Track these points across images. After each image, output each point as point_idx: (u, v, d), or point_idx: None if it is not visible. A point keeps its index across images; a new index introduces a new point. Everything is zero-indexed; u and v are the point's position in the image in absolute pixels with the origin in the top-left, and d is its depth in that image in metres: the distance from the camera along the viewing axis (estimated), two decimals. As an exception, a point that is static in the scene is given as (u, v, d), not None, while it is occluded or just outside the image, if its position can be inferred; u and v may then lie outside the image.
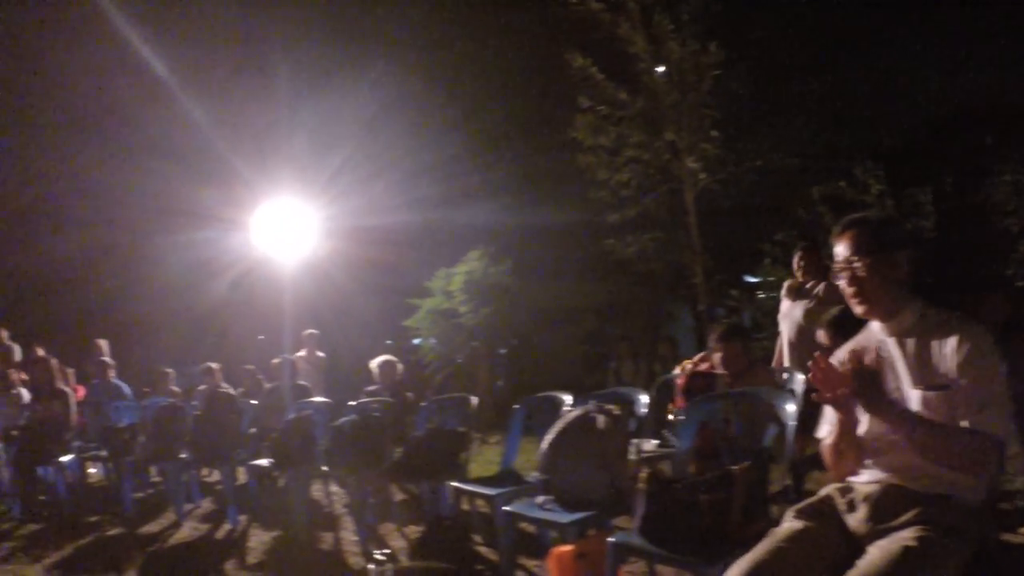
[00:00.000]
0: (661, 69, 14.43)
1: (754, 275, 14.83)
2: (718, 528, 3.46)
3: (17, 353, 12.26)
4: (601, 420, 4.66)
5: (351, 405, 7.84)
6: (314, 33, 19.35)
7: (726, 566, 2.77)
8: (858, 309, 2.98)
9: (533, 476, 5.22)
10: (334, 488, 8.68)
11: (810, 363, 2.91)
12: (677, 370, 8.75)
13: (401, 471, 6.72)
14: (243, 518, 7.75)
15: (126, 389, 11.28)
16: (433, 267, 16.07)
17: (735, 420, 4.13)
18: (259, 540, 7.04)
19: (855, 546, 2.74)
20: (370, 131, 18.32)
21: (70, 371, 11.47)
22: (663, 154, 14.57)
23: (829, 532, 2.83)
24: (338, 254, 17.05)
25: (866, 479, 2.94)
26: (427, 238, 18.02)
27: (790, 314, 7.60)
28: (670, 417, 6.73)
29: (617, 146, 14.68)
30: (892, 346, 2.93)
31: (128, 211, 19.12)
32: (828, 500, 2.98)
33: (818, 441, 3.17)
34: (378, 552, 5.03)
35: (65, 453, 9.04)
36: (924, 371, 2.81)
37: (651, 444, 6.17)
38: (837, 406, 2.91)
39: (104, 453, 9.42)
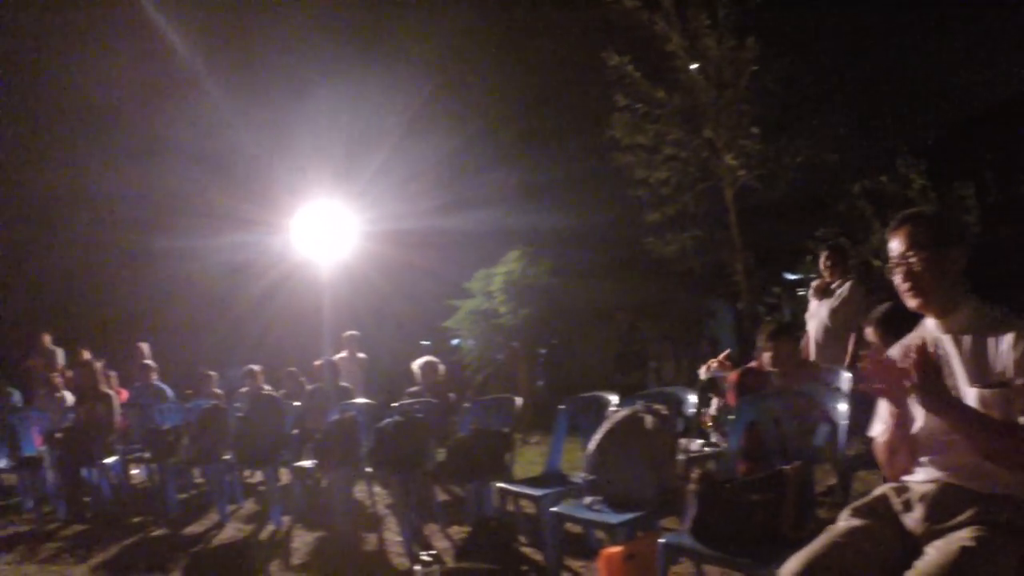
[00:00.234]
0: (695, 66, 14.34)
1: (795, 272, 14.73)
2: (770, 529, 3.42)
3: (60, 357, 12.41)
4: (649, 420, 4.63)
5: (394, 406, 7.83)
6: (353, 39, 19.46)
7: (778, 567, 2.73)
8: (913, 304, 2.92)
9: (580, 477, 5.19)
10: (377, 489, 8.69)
11: (863, 354, 2.86)
12: (702, 370, 8.72)
13: (446, 472, 6.70)
14: (286, 519, 7.76)
15: (169, 391, 11.37)
16: (472, 268, 16.07)
17: (787, 419, 4.07)
18: (303, 541, 7.05)
19: (911, 546, 2.69)
20: (408, 134, 18.38)
21: (113, 374, 11.58)
22: (702, 151, 14.50)
23: (885, 531, 2.79)
24: (376, 256, 17.09)
25: (922, 478, 2.88)
26: (465, 239, 18.00)
27: (817, 313, 7.58)
28: (710, 413, 6.71)
29: (655, 144, 14.61)
30: (948, 343, 2.87)
31: (171, 216, 19.28)
32: (884, 499, 2.93)
33: (864, 440, 3.12)
34: (424, 553, 5.03)
35: (109, 455, 9.10)
36: (980, 369, 2.75)
37: (696, 444, 6.12)
38: (893, 401, 2.86)
39: (147, 455, 9.49)
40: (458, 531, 6.87)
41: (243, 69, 18.84)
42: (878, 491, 2.99)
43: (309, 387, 10.20)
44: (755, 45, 13.75)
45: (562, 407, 6.17)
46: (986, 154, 14.02)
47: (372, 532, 7.22)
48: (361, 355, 12.37)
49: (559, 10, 18.33)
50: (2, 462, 9.49)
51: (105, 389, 9.86)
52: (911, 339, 3.05)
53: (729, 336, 18.16)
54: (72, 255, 19.81)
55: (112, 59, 18.85)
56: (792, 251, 14.37)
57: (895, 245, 2.93)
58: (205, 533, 7.67)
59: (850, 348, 7.09)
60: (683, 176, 14.69)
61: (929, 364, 2.77)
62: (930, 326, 2.97)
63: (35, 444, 9.59)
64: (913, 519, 2.78)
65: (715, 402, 6.88)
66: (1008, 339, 2.69)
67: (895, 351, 3.07)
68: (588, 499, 4.65)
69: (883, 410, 3.02)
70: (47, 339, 13.04)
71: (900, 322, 3.23)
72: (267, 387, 11.35)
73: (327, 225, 12.95)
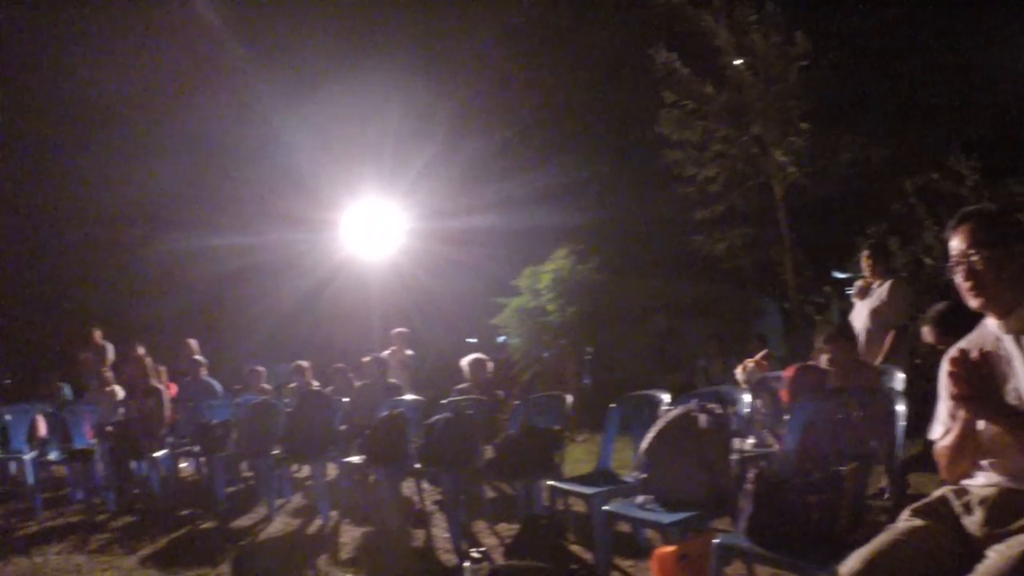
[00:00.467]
0: (739, 62, 14.23)
1: (844, 271, 14.57)
2: (826, 530, 3.39)
3: (111, 352, 12.56)
4: (703, 419, 4.60)
5: (443, 403, 7.84)
6: (401, 38, 19.53)
7: (834, 569, 2.71)
8: (974, 304, 2.87)
9: (630, 475, 5.17)
10: (424, 485, 8.71)
11: (951, 358, 2.80)
12: (739, 371, 8.63)
13: (496, 469, 6.70)
14: (334, 514, 7.81)
15: (218, 387, 11.47)
16: (518, 266, 16.06)
17: (844, 420, 4.02)
18: (351, 536, 7.09)
19: (971, 549, 2.66)
20: (454, 132, 18.42)
21: (163, 369, 11.71)
22: (750, 148, 14.39)
23: (945, 533, 2.76)
24: (423, 253, 17.17)
25: (982, 482, 2.84)
26: (512, 237, 18.02)
27: (859, 314, 7.47)
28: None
29: (704, 141, 14.52)
30: (1010, 343, 2.82)
31: (221, 214, 19.45)
32: (944, 501, 2.89)
33: (920, 443, 3.08)
34: (473, 550, 5.03)
35: (159, 449, 9.22)
36: (1045, 369, 2.72)
37: (748, 443, 6.08)
38: (968, 407, 2.81)
39: (196, 449, 9.60)
40: (506, 528, 6.87)
41: (293, 69, 19.00)
42: (938, 493, 2.96)
43: (357, 383, 10.24)
44: (804, 40, 13.63)
45: (613, 406, 6.15)
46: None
47: (420, 528, 7.24)
48: (409, 352, 12.41)
49: (606, 7, 18.30)
50: (53, 454, 9.65)
51: (156, 384, 9.98)
52: (970, 339, 3.00)
53: (777, 334, 18.03)
54: (121, 253, 20.06)
55: (166, 71, 19.14)
56: (841, 249, 14.22)
57: (956, 243, 2.88)
58: (253, 527, 7.75)
59: (886, 347, 7.00)
60: (732, 173, 14.59)
61: (977, 372, 2.72)
62: (991, 326, 2.92)
63: (86, 437, 9.73)
64: (973, 522, 2.75)
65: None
66: (1072, 339, 2.66)
67: (954, 352, 3.02)
68: (640, 498, 4.63)
69: (942, 412, 2.98)
70: (98, 335, 13.22)
71: (957, 321, 3.18)
72: (315, 383, 11.42)
73: (375, 223, 13.04)
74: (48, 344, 20.27)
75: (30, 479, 9.22)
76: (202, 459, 9.98)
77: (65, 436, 9.81)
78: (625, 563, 5.43)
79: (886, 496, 5.71)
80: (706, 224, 15.15)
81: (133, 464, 9.34)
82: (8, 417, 9.89)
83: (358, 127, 18.67)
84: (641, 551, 5.52)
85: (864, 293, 7.57)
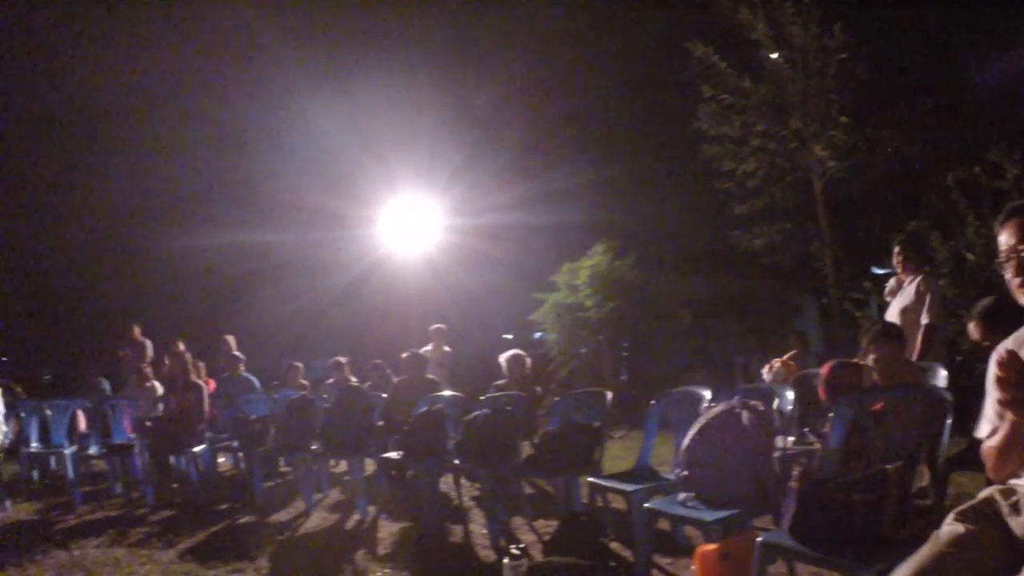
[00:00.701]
0: (775, 56, 14.11)
1: (883, 266, 14.42)
2: (871, 529, 3.35)
3: (150, 348, 12.67)
4: (745, 416, 4.57)
5: (482, 399, 7.84)
6: (437, 35, 19.55)
7: (880, 569, 2.67)
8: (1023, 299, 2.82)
9: (671, 472, 5.14)
10: (463, 481, 8.70)
11: (998, 360, 2.74)
12: (766, 370, 8.55)
13: (536, 465, 6.70)
14: (371, 509, 7.83)
15: (256, 382, 11.54)
16: (555, 262, 16.04)
17: (889, 417, 3.97)
18: (388, 531, 7.10)
19: (1019, 551, 2.61)
20: (491, 128, 18.42)
21: (201, 364, 11.80)
22: (789, 142, 14.27)
23: (992, 536, 2.69)
24: (460, 250, 17.19)
25: (1029, 481, 2.80)
26: (548, 233, 17.99)
27: (892, 313, 7.35)
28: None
29: (742, 135, 14.42)
30: (1060, 340, 2.78)
31: (261, 211, 19.59)
32: (990, 502, 2.83)
33: (963, 441, 3.03)
34: (513, 547, 5.02)
35: (198, 444, 9.29)
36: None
37: (789, 441, 6.02)
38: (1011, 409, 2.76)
39: (235, 444, 9.68)
40: (545, 525, 6.86)
41: (332, 68, 19.08)
42: (984, 493, 2.89)
43: (395, 379, 10.27)
44: (842, 34, 13.50)
45: (654, 402, 6.12)
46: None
47: (458, 524, 7.24)
48: (447, 348, 12.43)
49: (642, 1, 18.23)
50: (93, 449, 9.78)
51: (196, 379, 10.05)
52: (1019, 336, 2.95)
53: (815, 331, 17.89)
54: (159, 250, 20.23)
55: (206, 70, 19.30)
56: (881, 244, 14.06)
57: (1005, 238, 2.82)
58: (291, 521, 7.78)
59: (919, 346, 6.86)
60: (771, 168, 14.47)
61: (1015, 370, 2.66)
62: (1040, 322, 2.87)
63: (126, 432, 9.83)
64: (1020, 524, 2.69)
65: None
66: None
67: (1002, 349, 2.97)
68: (681, 495, 4.60)
69: (991, 410, 2.93)
70: (137, 331, 13.32)
71: (1004, 318, 3.13)
72: (353, 379, 11.46)
73: (412, 219, 13.06)
74: (88, 340, 20.51)
75: (70, 473, 9.31)
76: (240, 454, 10.08)
77: (105, 431, 9.93)
78: (664, 561, 5.39)
79: (928, 496, 5.65)
80: (744, 219, 15.03)
81: (172, 459, 9.45)
82: (48, 412, 9.99)
83: (395, 125, 18.74)
84: (679, 549, 5.49)
85: (897, 290, 7.47)
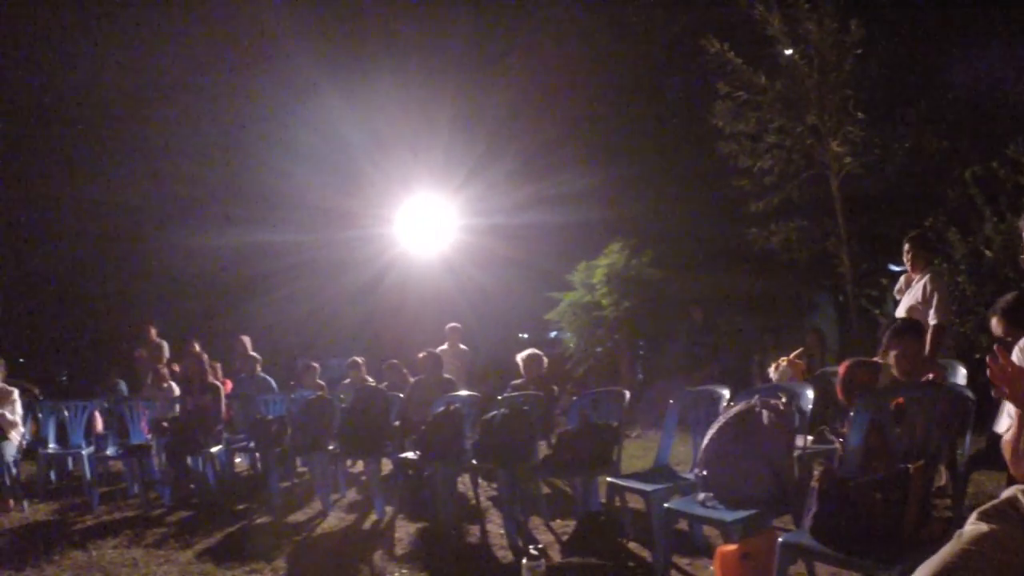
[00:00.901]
0: (789, 51, 14.03)
1: (900, 264, 14.33)
2: (892, 529, 3.32)
3: (166, 349, 12.73)
4: (766, 415, 4.53)
5: (499, 399, 7.83)
6: (452, 35, 19.53)
7: (902, 569, 2.65)
8: (1049, 295, 2.79)
9: (689, 472, 5.12)
10: (480, 481, 8.70)
11: (988, 357, 2.72)
12: (772, 370, 8.51)
13: (553, 465, 6.68)
14: (389, 509, 7.85)
15: (272, 383, 11.57)
16: (570, 261, 16.02)
17: (910, 416, 3.93)
18: (405, 531, 7.12)
19: (1042, 551, 2.59)
20: (505, 127, 18.38)
21: (218, 365, 11.84)
22: (806, 138, 14.18)
23: (1015, 535, 2.68)
24: (476, 249, 17.18)
25: (1052, 480, 2.77)
26: (564, 232, 17.93)
27: (900, 311, 7.33)
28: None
29: (758, 132, 14.34)
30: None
31: (277, 211, 19.60)
32: (1013, 502, 2.82)
33: (982, 440, 3.01)
34: (531, 547, 5.01)
35: (215, 444, 9.34)
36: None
37: (809, 440, 5.98)
38: (1017, 403, 2.74)
39: (252, 444, 9.71)
40: (562, 525, 6.86)
41: (348, 69, 19.07)
42: (1007, 493, 2.88)
43: (412, 379, 10.27)
44: (859, 28, 13.41)
45: (672, 401, 6.09)
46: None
47: (475, 524, 7.25)
48: (463, 347, 12.44)
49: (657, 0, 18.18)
50: (111, 449, 9.83)
51: (213, 380, 10.10)
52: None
53: (831, 328, 17.79)
54: (175, 251, 20.27)
55: (226, 69, 19.34)
56: (898, 241, 13.94)
57: None
58: (308, 522, 7.82)
59: (927, 345, 6.79)
60: (787, 164, 14.37)
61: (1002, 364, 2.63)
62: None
63: (143, 433, 9.88)
64: (1044, 523, 2.68)
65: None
66: None
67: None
68: (701, 495, 4.57)
69: (1009, 406, 2.90)
70: (153, 332, 13.41)
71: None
72: (370, 379, 11.48)
73: (427, 219, 13.05)
74: (105, 342, 20.59)
75: (87, 474, 9.37)
76: (257, 454, 10.12)
77: (122, 432, 9.99)
78: (682, 561, 5.38)
79: (946, 496, 5.61)
80: (760, 216, 14.94)
81: (189, 459, 9.47)
82: (66, 413, 10.07)
83: (411, 125, 18.71)
84: (698, 550, 5.48)
85: (906, 288, 7.44)
